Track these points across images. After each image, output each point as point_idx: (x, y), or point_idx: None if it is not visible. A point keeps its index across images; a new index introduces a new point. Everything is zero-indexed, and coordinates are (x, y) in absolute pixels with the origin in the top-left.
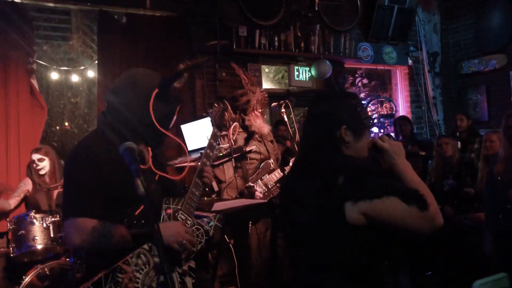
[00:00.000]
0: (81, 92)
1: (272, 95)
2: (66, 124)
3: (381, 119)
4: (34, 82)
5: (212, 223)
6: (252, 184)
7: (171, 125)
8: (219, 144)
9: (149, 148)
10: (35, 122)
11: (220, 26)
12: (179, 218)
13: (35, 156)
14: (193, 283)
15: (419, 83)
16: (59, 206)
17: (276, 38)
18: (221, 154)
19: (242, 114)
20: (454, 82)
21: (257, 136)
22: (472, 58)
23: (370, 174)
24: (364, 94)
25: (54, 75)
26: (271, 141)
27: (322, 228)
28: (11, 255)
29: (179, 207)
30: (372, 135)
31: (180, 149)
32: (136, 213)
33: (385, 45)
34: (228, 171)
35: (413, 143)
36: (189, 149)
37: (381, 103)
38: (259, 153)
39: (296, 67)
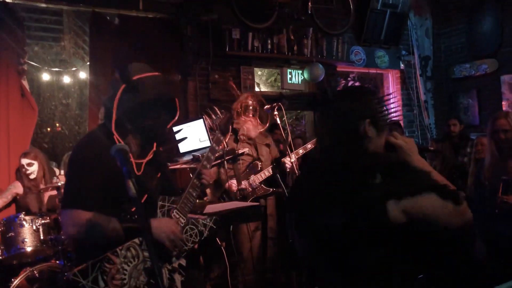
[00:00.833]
0: (72, 93)
1: (264, 98)
2: (57, 125)
3: None
4: (25, 83)
5: (207, 224)
6: (244, 187)
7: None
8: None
9: (155, 144)
10: (25, 124)
11: (213, 28)
12: (173, 217)
13: (24, 161)
14: (182, 281)
15: (411, 87)
16: (50, 210)
17: (269, 41)
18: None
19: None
20: (446, 86)
21: (243, 138)
22: (464, 63)
23: (407, 170)
24: None
25: (45, 76)
26: (267, 145)
27: (359, 229)
28: (0, 258)
29: (174, 206)
30: None
31: (172, 151)
32: (133, 209)
33: (378, 49)
34: (214, 172)
35: None
36: (181, 151)
37: None
38: (249, 155)
39: (289, 70)
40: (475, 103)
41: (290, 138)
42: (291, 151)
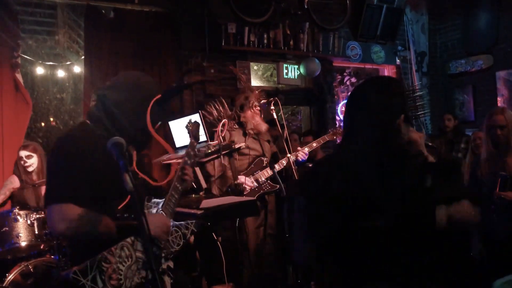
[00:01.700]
0: (67, 87)
1: None
2: (52, 120)
3: None
4: (19, 76)
5: (189, 227)
6: (240, 182)
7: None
8: (199, 151)
9: (135, 150)
10: (19, 118)
11: (209, 23)
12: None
13: (23, 153)
14: (172, 284)
15: (407, 83)
16: None
17: (265, 36)
18: (210, 151)
19: (238, 111)
20: (441, 82)
21: (252, 133)
22: (459, 59)
23: (452, 174)
24: None
25: (40, 70)
26: (268, 141)
27: (405, 232)
28: None
29: (159, 207)
30: None
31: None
32: (119, 207)
33: (374, 44)
34: (218, 166)
35: None
36: (177, 146)
37: None
38: (252, 149)
39: (285, 65)
40: (471, 99)
41: (286, 133)
42: (287, 146)
